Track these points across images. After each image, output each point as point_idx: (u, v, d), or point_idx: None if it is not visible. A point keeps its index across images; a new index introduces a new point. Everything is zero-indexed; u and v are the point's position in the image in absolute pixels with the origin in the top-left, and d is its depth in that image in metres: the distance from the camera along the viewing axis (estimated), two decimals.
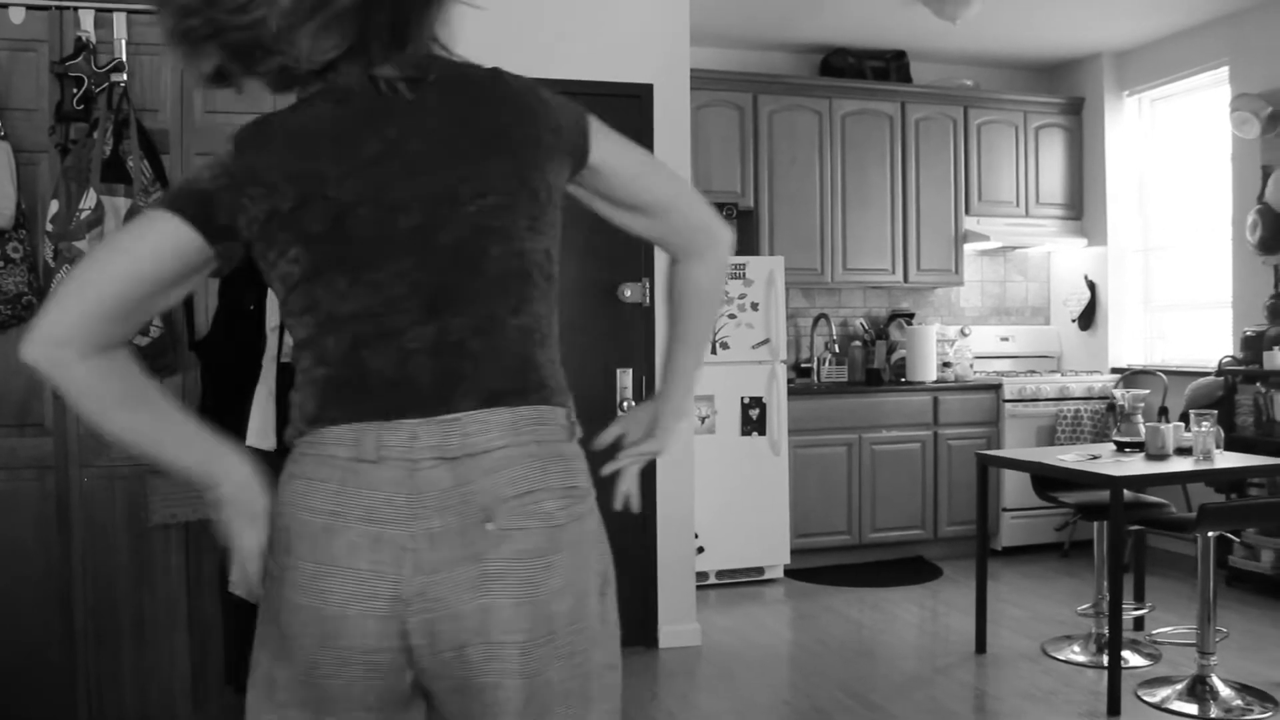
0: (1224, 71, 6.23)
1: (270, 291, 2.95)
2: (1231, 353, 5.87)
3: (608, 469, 1.64)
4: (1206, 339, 6.46)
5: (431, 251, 1.33)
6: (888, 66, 6.74)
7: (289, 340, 2.51)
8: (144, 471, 3.37)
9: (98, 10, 3.33)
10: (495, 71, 1.43)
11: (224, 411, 3.15)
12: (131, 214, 3.17)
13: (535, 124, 1.40)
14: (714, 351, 5.71)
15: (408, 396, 1.30)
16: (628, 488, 1.65)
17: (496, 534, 1.27)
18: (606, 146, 1.48)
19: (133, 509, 3.40)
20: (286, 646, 1.31)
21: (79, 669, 3.41)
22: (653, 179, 1.54)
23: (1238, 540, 5.45)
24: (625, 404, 4.57)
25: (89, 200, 3.14)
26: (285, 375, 2.92)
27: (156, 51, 3.44)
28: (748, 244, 6.27)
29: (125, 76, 3.31)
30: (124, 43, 3.34)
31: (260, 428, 2.86)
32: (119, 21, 3.34)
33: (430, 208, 1.33)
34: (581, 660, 1.32)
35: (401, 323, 1.32)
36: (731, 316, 5.75)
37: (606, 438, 1.69)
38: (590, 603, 1.34)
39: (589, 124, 1.47)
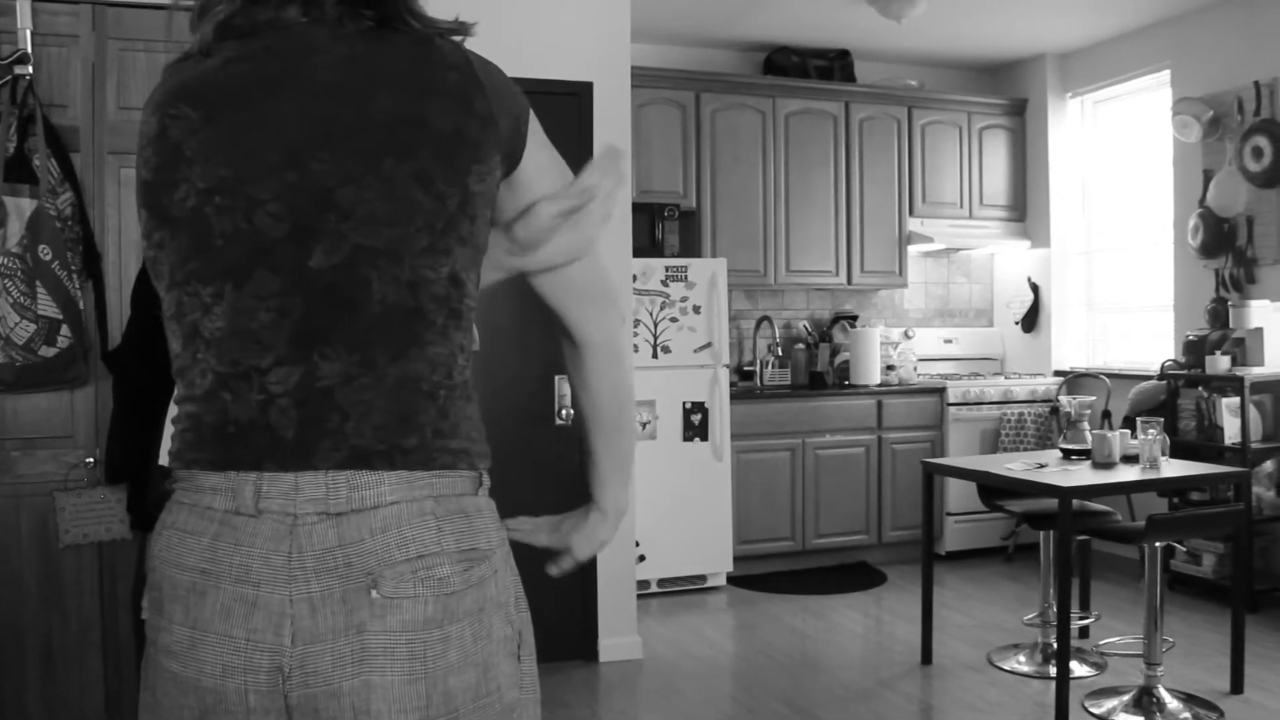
0: (1165, 75, 6.23)
1: None
2: (1173, 356, 5.87)
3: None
4: (1148, 342, 6.46)
5: (302, 277, 1.14)
6: (832, 66, 6.67)
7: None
8: (53, 489, 3.18)
9: None
10: (426, 39, 1.22)
11: (137, 426, 2.97)
12: (36, 216, 2.97)
13: (458, 113, 1.18)
14: (655, 355, 5.60)
15: (266, 449, 1.15)
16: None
17: (381, 603, 1.12)
18: (535, 159, 1.29)
19: (40, 529, 3.21)
20: (164, 719, 1.17)
21: None
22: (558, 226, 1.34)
23: (1180, 546, 5.44)
24: (564, 412, 4.44)
25: None
26: None
27: (65, 43, 3.24)
28: (690, 245, 6.15)
29: (30, 69, 3.10)
30: (29, 32, 3.13)
31: None
32: (23, 9, 3.12)
33: (297, 211, 1.14)
34: None
35: (264, 361, 1.15)
36: (673, 320, 5.63)
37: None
38: (499, 674, 1.19)
39: (528, 123, 1.28)
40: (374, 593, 1.12)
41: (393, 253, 1.15)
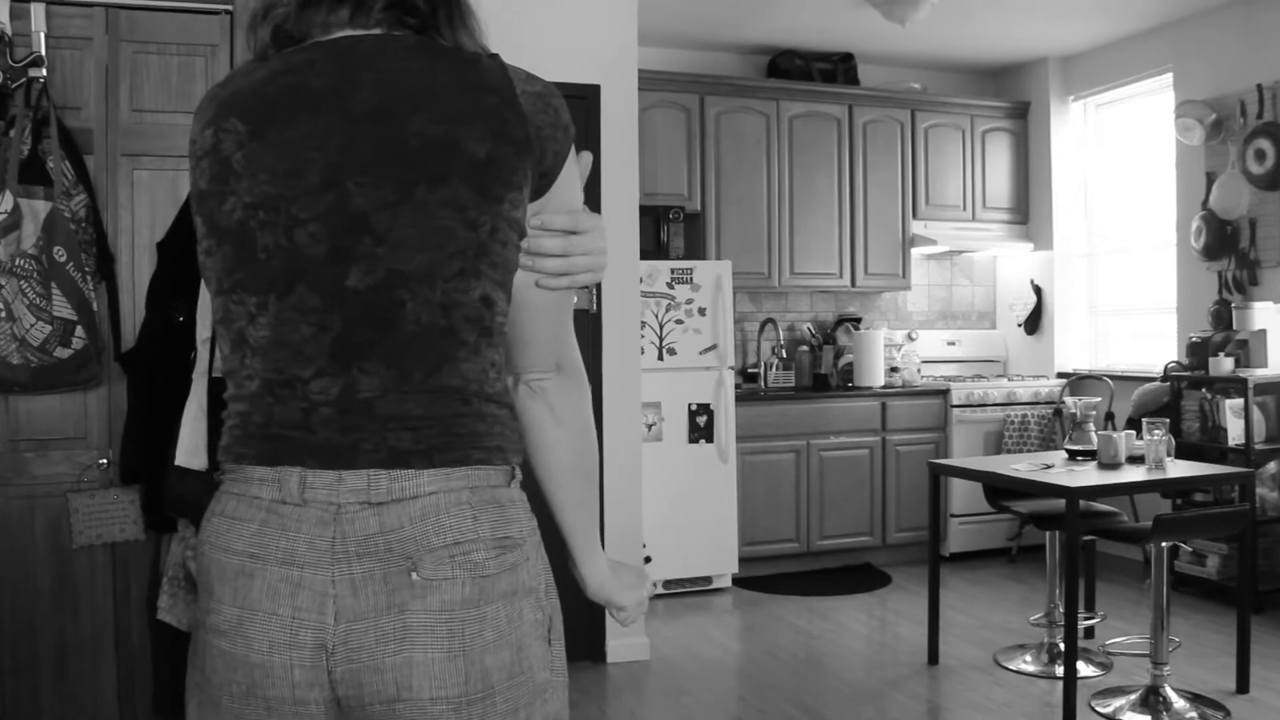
0: (1168, 78, 6.25)
1: (200, 301, 2.80)
2: (1176, 358, 5.88)
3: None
4: (1151, 344, 6.48)
5: (340, 296, 1.19)
6: (835, 69, 6.69)
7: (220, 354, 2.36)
8: (66, 490, 3.19)
9: (13, 0, 3.14)
10: (471, 59, 1.25)
11: (153, 428, 2.98)
12: (51, 218, 2.98)
13: (493, 139, 1.20)
14: (661, 357, 5.61)
15: (310, 450, 1.21)
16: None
17: (421, 584, 1.18)
18: (559, 193, 1.29)
19: (54, 530, 3.21)
20: (212, 695, 1.23)
21: None
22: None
23: (1185, 547, 5.46)
24: None
25: (5, 203, 2.94)
26: (217, 390, 2.76)
27: (79, 45, 3.25)
28: (694, 248, 6.17)
29: (44, 72, 3.10)
30: (43, 35, 3.14)
31: (191, 446, 2.69)
32: (37, 12, 3.14)
33: (334, 233, 1.19)
34: (527, 714, 1.24)
35: (307, 372, 1.21)
36: (679, 322, 5.65)
37: None
38: (531, 654, 1.25)
39: (567, 155, 1.28)
40: (414, 575, 1.18)
41: (425, 276, 1.19)
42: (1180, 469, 4.15)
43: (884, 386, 6.42)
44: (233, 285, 1.24)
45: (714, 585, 5.81)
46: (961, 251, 7.12)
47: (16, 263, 2.93)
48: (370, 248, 1.18)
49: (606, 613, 4.67)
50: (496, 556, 1.22)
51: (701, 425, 5.68)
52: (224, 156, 1.22)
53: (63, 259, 2.98)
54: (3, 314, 2.91)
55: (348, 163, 1.19)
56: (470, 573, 1.19)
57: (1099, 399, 4.85)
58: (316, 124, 1.20)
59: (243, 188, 1.21)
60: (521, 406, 1.34)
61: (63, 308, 2.97)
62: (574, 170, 1.32)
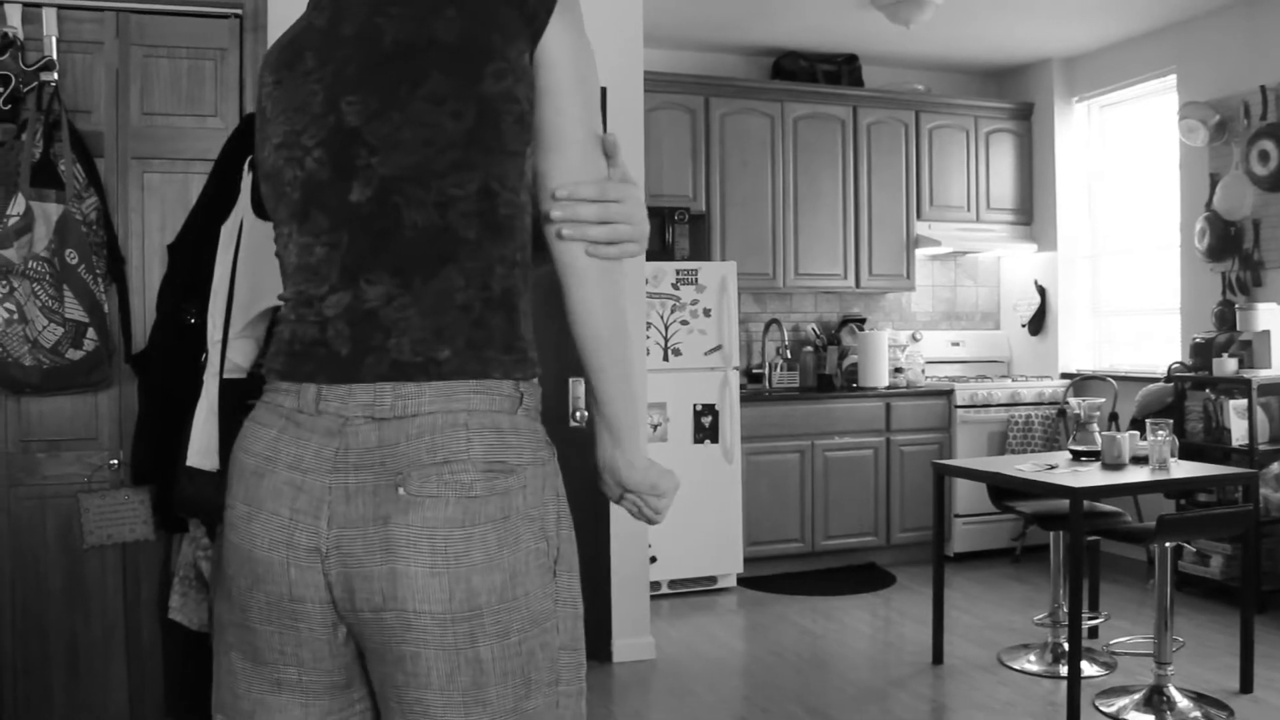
0: (1172, 79, 6.26)
1: (211, 303, 2.82)
2: (1180, 359, 5.90)
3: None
4: (1155, 345, 6.49)
5: (345, 213, 1.27)
6: (839, 70, 6.70)
7: (232, 356, 2.38)
8: (77, 491, 3.21)
9: (25, 5, 3.16)
10: None
11: (164, 429, 3.00)
12: (63, 220, 3.01)
13: (463, 18, 1.24)
14: (666, 358, 5.63)
15: (322, 365, 1.28)
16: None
17: (406, 499, 1.21)
18: (562, 40, 1.29)
19: (65, 530, 3.24)
20: (226, 587, 1.32)
21: (5, 701, 3.24)
22: (575, 103, 1.30)
23: (1189, 547, 5.47)
24: (578, 414, 4.47)
25: (17, 206, 2.97)
26: (228, 391, 2.79)
27: (90, 49, 3.28)
28: (699, 249, 6.19)
29: (56, 75, 3.14)
30: (54, 40, 3.17)
31: (202, 447, 2.71)
32: (49, 17, 3.17)
33: (334, 153, 1.27)
34: (521, 639, 1.24)
35: (321, 290, 1.29)
36: (684, 323, 5.67)
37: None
38: (528, 581, 1.25)
39: (554, 4, 1.28)
40: (401, 490, 1.22)
41: (417, 178, 1.24)
42: (1184, 470, 4.17)
43: (888, 387, 6.44)
44: (276, 220, 1.37)
45: (719, 585, 5.83)
46: (965, 252, 7.14)
47: (29, 265, 2.95)
48: (366, 159, 1.25)
49: (612, 613, 4.68)
50: (486, 479, 1.23)
51: (706, 426, 5.70)
52: (261, 108, 1.37)
53: (74, 261, 3.00)
54: (15, 316, 2.93)
55: (340, 85, 1.27)
56: (456, 492, 1.21)
57: (1103, 400, 4.86)
58: (316, 59, 1.31)
59: (270, 131, 1.34)
60: (562, 259, 1.31)
61: (74, 310, 3.00)
62: (576, 13, 1.31)
